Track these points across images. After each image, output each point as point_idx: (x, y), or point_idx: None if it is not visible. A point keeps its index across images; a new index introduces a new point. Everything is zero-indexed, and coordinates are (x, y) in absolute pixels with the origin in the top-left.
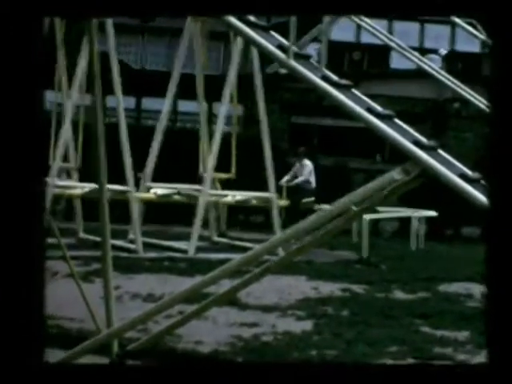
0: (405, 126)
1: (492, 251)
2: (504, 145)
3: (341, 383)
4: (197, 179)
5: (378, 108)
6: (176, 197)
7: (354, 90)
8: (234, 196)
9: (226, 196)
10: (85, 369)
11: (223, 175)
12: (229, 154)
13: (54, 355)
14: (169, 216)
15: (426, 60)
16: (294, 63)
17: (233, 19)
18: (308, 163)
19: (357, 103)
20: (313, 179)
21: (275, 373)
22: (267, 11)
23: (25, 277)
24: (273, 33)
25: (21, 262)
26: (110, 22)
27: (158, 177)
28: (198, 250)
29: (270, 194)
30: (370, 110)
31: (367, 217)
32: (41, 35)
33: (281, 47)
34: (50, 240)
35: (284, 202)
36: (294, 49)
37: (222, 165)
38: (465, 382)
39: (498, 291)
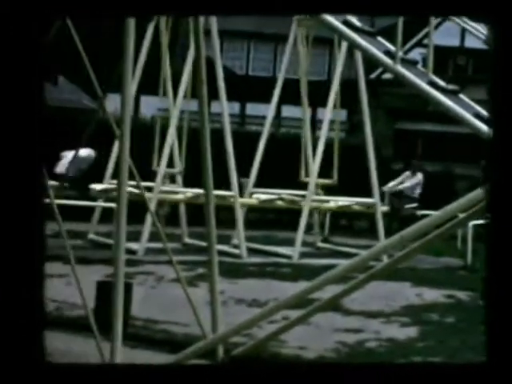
0: None
1: (492, 251)
2: (505, 146)
3: (341, 383)
4: (299, 185)
5: (486, 114)
6: (279, 202)
7: (461, 96)
8: (337, 202)
9: (328, 201)
10: (86, 369)
11: (326, 181)
12: (332, 159)
13: (161, 359)
14: (273, 222)
15: None
16: (401, 69)
17: (338, 24)
18: (420, 177)
19: (464, 109)
20: (418, 191)
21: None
22: (268, 11)
23: (25, 276)
24: (379, 38)
25: (21, 261)
26: (215, 28)
27: (261, 182)
28: (302, 255)
29: (374, 200)
30: (478, 116)
31: (471, 222)
32: (41, 35)
33: (387, 53)
34: (156, 245)
35: (385, 208)
36: (401, 54)
37: (324, 171)
38: (465, 382)
39: (499, 291)
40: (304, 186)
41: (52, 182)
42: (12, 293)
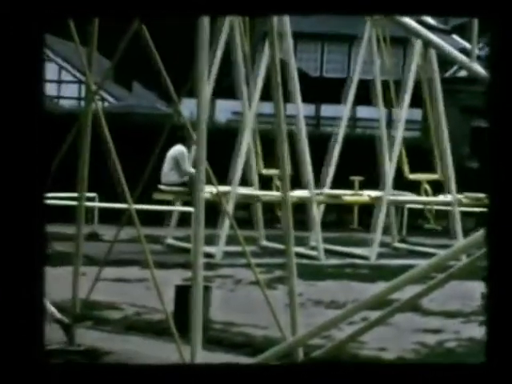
0: None
1: (493, 251)
2: (504, 147)
3: (340, 383)
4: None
5: None
6: (347, 198)
7: None
8: (413, 200)
9: (406, 201)
10: (86, 369)
11: (430, 176)
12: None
13: (240, 362)
14: (349, 223)
15: None
16: (477, 66)
17: (413, 23)
18: None
19: None
20: None
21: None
22: (269, 11)
23: (25, 275)
24: (454, 36)
25: (21, 260)
26: (288, 30)
27: (337, 183)
28: (380, 256)
29: (451, 199)
30: None
31: None
32: (42, 35)
33: (463, 50)
34: (234, 248)
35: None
36: (477, 51)
37: (399, 170)
38: (465, 382)
39: (499, 290)
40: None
41: (164, 187)
42: (12, 292)
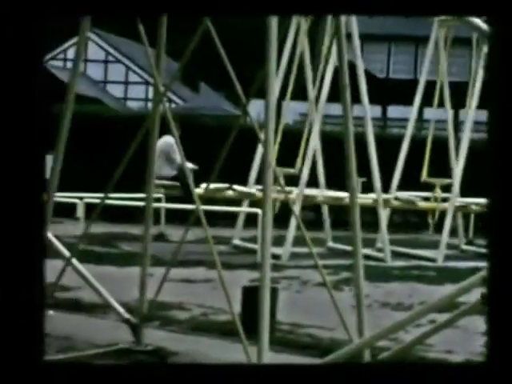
0: None
1: (493, 251)
2: (504, 148)
3: (340, 383)
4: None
5: None
6: (421, 204)
7: None
8: (478, 203)
9: (474, 203)
10: (86, 369)
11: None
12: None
13: (304, 362)
14: (416, 224)
15: None
16: None
17: (481, 23)
18: None
19: None
20: None
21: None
22: (270, 11)
23: (25, 274)
24: None
25: (21, 260)
26: (355, 31)
27: (404, 185)
28: (447, 258)
29: None
30: None
31: None
32: (42, 35)
33: None
34: (300, 249)
35: None
36: None
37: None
38: (465, 382)
39: (499, 290)
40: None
41: (158, 182)
42: (12, 292)
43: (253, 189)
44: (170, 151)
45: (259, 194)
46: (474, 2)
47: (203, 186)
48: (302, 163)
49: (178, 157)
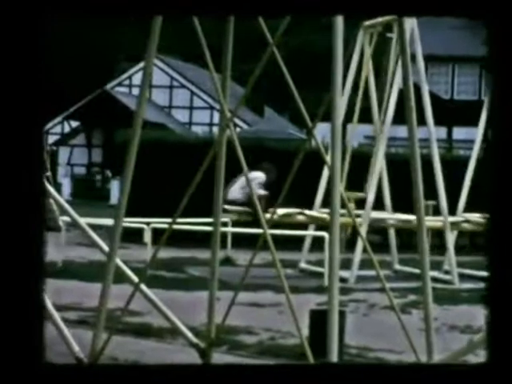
0: None
1: (493, 250)
2: (504, 148)
3: (340, 383)
4: None
5: None
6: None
7: None
8: None
9: None
10: (86, 369)
11: None
12: None
13: None
14: (483, 246)
15: None
16: None
17: None
18: None
19: None
20: None
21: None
22: (271, 12)
23: (25, 275)
24: None
25: (20, 260)
26: (419, 53)
27: (471, 206)
28: None
29: None
30: None
31: None
32: (42, 35)
33: None
34: (367, 272)
35: None
36: None
37: None
38: (465, 382)
39: (499, 290)
40: None
41: (228, 207)
42: (11, 292)
43: (324, 213)
44: (258, 182)
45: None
46: (474, 3)
47: (271, 210)
48: (369, 186)
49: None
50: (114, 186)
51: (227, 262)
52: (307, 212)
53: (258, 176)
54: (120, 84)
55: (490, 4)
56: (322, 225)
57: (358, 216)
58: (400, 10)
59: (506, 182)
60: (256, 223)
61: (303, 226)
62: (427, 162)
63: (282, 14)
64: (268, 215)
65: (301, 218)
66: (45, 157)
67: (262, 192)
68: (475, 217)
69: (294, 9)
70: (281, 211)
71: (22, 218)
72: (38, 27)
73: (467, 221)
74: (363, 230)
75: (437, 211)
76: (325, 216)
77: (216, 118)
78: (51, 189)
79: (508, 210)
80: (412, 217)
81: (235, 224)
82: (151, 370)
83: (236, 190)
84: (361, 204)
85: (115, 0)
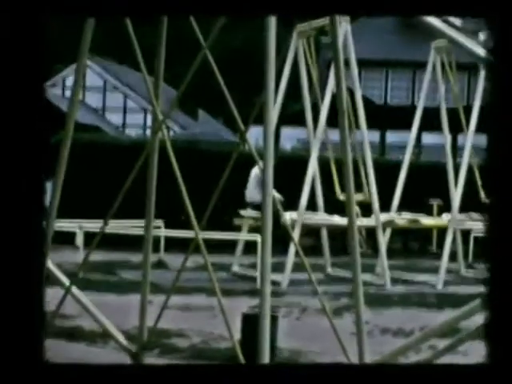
0: None
1: (493, 250)
2: (504, 147)
3: (340, 383)
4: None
5: None
6: (424, 221)
7: None
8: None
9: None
10: (86, 369)
11: None
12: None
13: None
14: (414, 250)
15: None
16: None
17: (475, 47)
18: None
19: None
20: None
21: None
22: (271, 12)
23: (24, 276)
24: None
25: (21, 261)
26: (353, 57)
27: (401, 209)
28: (447, 283)
29: None
30: None
31: None
32: (43, 35)
33: None
34: (299, 276)
35: None
36: None
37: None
38: (465, 382)
39: (499, 290)
40: None
41: (243, 212)
42: (12, 293)
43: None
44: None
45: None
46: (474, 2)
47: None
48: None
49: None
50: (46, 188)
51: (160, 265)
52: (242, 213)
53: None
54: (53, 86)
55: (493, 3)
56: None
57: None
58: (403, 9)
59: (505, 186)
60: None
61: (237, 228)
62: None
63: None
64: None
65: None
66: None
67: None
68: (407, 215)
69: (282, 8)
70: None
71: (22, 218)
72: (38, 27)
73: (400, 218)
74: (296, 233)
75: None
76: (255, 216)
77: (150, 120)
78: None
79: (508, 215)
80: (342, 218)
81: (250, 230)
82: (151, 369)
83: (251, 190)
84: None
85: (115, 0)
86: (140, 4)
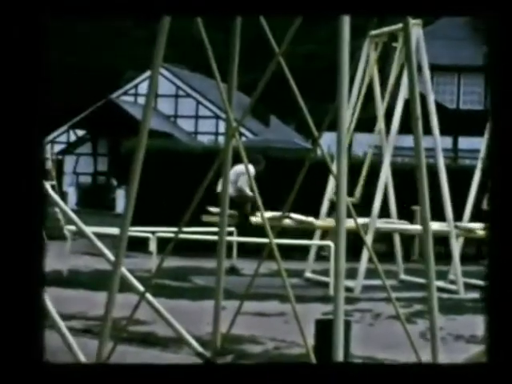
0: None
1: (493, 250)
2: (504, 147)
3: (340, 383)
4: None
5: None
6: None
7: None
8: None
9: None
10: (86, 369)
11: None
12: None
13: None
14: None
15: None
16: None
17: None
18: None
19: None
20: None
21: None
22: (273, 12)
23: (25, 275)
24: None
25: (20, 261)
26: (426, 63)
27: (476, 216)
28: None
29: None
30: None
31: None
32: (43, 35)
33: None
34: (373, 282)
35: None
36: None
37: None
38: (465, 382)
39: (499, 290)
40: None
41: (213, 209)
42: (12, 293)
43: (310, 217)
44: (239, 177)
45: (317, 223)
46: (474, 2)
47: (258, 214)
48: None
49: (241, 184)
50: (120, 195)
51: (232, 271)
52: (293, 215)
53: (242, 169)
54: (126, 93)
55: (493, 3)
56: (320, 229)
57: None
58: (403, 9)
59: (506, 189)
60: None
61: (309, 234)
62: (433, 172)
63: (291, 13)
64: (254, 218)
65: (288, 221)
66: (50, 166)
67: (250, 193)
68: (479, 226)
69: (302, 8)
70: (267, 214)
71: (23, 222)
72: (38, 27)
73: (470, 230)
74: (369, 239)
75: (439, 220)
76: (311, 219)
77: (222, 127)
78: (57, 198)
79: (508, 217)
80: (416, 226)
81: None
82: (153, 370)
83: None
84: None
85: (116, 1)
86: (140, 4)
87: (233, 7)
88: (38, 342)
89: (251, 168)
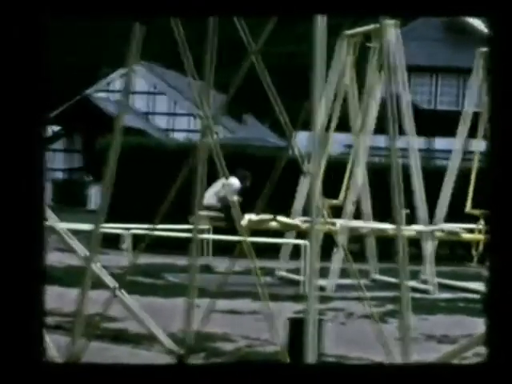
0: None
1: (493, 250)
2: (504, 146)
3: (312, 382)
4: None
5: None
6: (465, 235)
7: None
8: None
9: None
10: (86, 369)
11: None
12: None
13: None
14: (462, 256)
15: None
16: None
17: None
18: None
19: None
20: None
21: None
22: (273, 12)
23: (25, 275)
24: None
25: (21, 261)
26: (403, 63)
27: (449, 217)
28: None
29: None
30: None
31: None
32: (43, 35)
33: None
34: (345, 281)
35: None
36: None
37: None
38: (465, 382)
39: (499, 290)
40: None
41: (203, 213)
42: (12, 293)
43: (297, 220)
44: (227, 191)
45: (303, 226)
46: (474, 2)
47: (247, 217)
48: (346, 195)
49: (225, 193)
50: (93, 192)
51: (206, 268)
52: (280, 218)
53: (233, 183)
54: (100, 90)
55: (494, 3)
56: (299, 231)
57: (334, 224)
58: (403, 9)
59: (506, 190)
60: (232, 230)
61: (280, 233)
62: (406, 172)
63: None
64: (242, 221)
65: (274, 224)
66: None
67: (235, 198)
68: (452, 227)
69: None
70: (254, 217)
71: (22, 218)
72: (38, 27)
73: (443, 230)
74: (343, 239)
75: (410, 220)
76: (297, 223)
77: (197, 124)
78: None
79: (507, 216)
80: (390, 226)
81: (216, 231)
82: (152, 368)
83: (211, 196)
84: (336, 212)
85: (114, 2)
86: (140, 5)
87: (209, 8)
88: (37, 342)
89: (236, 182)
